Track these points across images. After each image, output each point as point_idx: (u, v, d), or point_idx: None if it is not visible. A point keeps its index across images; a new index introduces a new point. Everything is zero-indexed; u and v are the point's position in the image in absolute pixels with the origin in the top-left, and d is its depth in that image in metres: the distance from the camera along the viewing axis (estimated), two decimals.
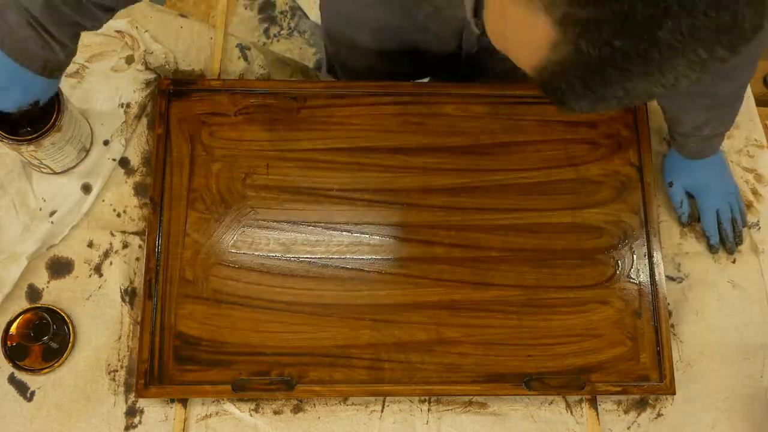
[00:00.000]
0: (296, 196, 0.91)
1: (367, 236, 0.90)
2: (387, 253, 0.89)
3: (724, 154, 0.96)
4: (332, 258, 0.89)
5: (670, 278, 0.94)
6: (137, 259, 0.89)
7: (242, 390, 0.84)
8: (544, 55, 0.42)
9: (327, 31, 1.05)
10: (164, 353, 0.85)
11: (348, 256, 0.89)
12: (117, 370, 0.86)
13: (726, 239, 0.94)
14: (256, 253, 0.88)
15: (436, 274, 0.89)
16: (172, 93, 0.93)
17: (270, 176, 0.91)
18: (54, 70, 0.72)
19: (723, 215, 0.94)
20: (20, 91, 0.72)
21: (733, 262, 0.95)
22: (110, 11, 0.73)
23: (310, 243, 0.89)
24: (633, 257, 0.92)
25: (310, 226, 0.90)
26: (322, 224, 0.90)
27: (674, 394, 0.88)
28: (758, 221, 0.97)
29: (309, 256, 0.89)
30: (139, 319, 0.86)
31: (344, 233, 0.90)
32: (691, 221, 0.96)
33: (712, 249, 0.95)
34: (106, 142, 0.93)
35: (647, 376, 0.88)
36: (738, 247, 0.95)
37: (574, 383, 0.86)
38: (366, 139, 0.93)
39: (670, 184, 0.96)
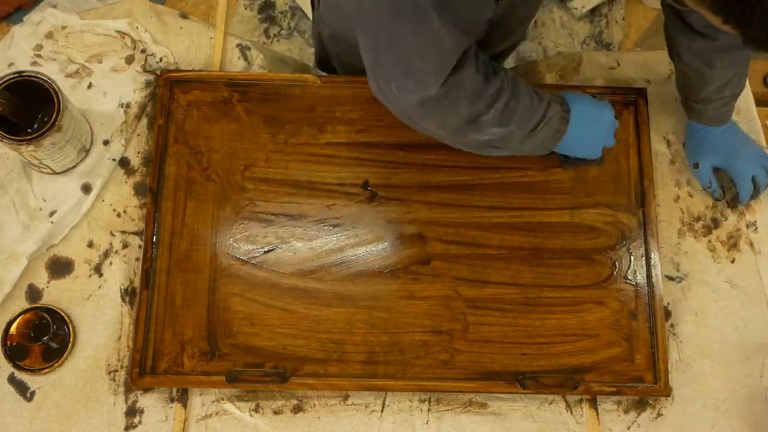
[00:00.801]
0: (295, 189, 0.91)
1: (365, 231, 0.90)
2: (384, 249, 0.90)
3: (736, 124, 0.96)
4: (329, 252, 0.89)
5: (669, 278, 0.94)
6: (137, 259, 0.89)
7: (236, 381, 0.84)
8: None
9: (332, 32, 1.05)
10: (159, 343, 0.85)
11: (345, 251, 0.89)
12: (117, 370, 0.86)
13: (752, 198, 0.95)
14: (253, 246, 0.89)
15: (433, 271, 0.89)
16: (174, 83, 0.93)
17: (269, 169, 0.91)
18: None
19: (760, 180, 0.94)
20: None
21: (732, 261, 0.95)
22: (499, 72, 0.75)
23: (308, 237, 0.89)
24: (630, 258, 0.92)
25: (307, 219, 0.90)
26: (320, 218, 0.90)
27: (668, 395, 0.88)
28: (755, 222, 0.97)
29: (306, 251, 0.89)
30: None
31: (342, 228, 0.90)
32: (724, 196, 0.96)
33: (733, 206, 0.96)
34: (106, 142, 0.93)
35: (642, 378, 0.88)
36: (758, 211, 0.97)
37: (568, 383, 0.86)
38: (366, 135, 0.93)
39: (696, 166, 0.95)
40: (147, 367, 0.84)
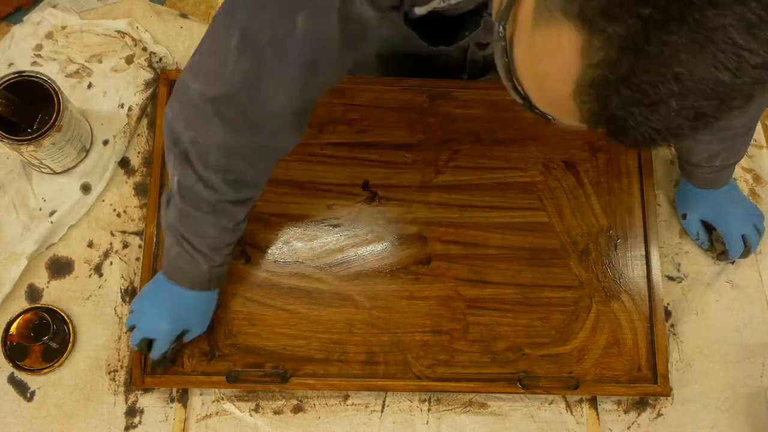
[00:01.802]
0: (295, 189, 0.91)
1: (365, 231, 0.90)
2: (384, 249, 0.90)
3: (734, 180, 0.94)
4: (329, 253, 0.89)
5: (669, 278, 0.94)
6: (137, 259, 0.89)
7: (236, 381, 0.84)
8: (578, 68, 0.37)
9: None
10: None
11: (346, 251, 0.89)
12: (117, 370, 0.86)
13: (743, 256, 0.93)
14: (253, 247, 0.88)
15: (433, 271, 0.89)
16: (174, 83, 0.92)
17: None
18: (201, 282, 0.79)
19: (752, 240, 0.91)
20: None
21: (732, 262, 0.95)
22: (244, 204, 0.75)
23: (308, 237, 0.89)
24: (631, 258, 0.91)
25: (307, 219, 0.90)
26: (320, 218, 0.90)
27: (668, 395, 0.88)
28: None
29: (306, 251, 0.89)
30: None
31: (342, 228, 0.90)
32: (713, 248, 0.94)
33: (722, 259, 0.94)
34: (106, 142, 0.93)
35: (642, 377, 0.88)
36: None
37: (568, 383, 0.86)
38: (366, 135, 0.93)
39: (684, 216, 0.94)
40: (147, 367, 0.84)
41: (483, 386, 0.86)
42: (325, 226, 0.90)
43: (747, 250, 0.92)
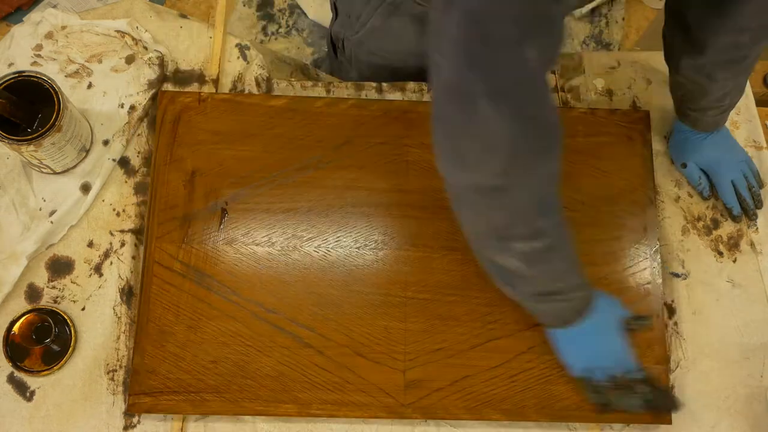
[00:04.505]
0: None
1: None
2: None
3: (727, 128, 0.97)
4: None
5: (675, 275, 0.94)
6: (133, 257, 0.89)
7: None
8: None
9: (370, 63, 1.05)
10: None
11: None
12: (116, 370, 0.86)
13: (747, 207, 0.96)
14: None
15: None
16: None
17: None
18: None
19: (739, 184, 0.95)
20: None
21: (734, 261, 0.95)
22: None
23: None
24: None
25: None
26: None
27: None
28: (756, 222, 0.97)
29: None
30: (137, 319, 0.86)
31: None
32: (712, 195, 0.97)
33: (735, 219, 0.96)
34: (106, 142, 0.93)
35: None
36: (759, 211, 0.97)
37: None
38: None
39: (684, 165, 0.97)
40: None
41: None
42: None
43: (740, 196, 0.95)
